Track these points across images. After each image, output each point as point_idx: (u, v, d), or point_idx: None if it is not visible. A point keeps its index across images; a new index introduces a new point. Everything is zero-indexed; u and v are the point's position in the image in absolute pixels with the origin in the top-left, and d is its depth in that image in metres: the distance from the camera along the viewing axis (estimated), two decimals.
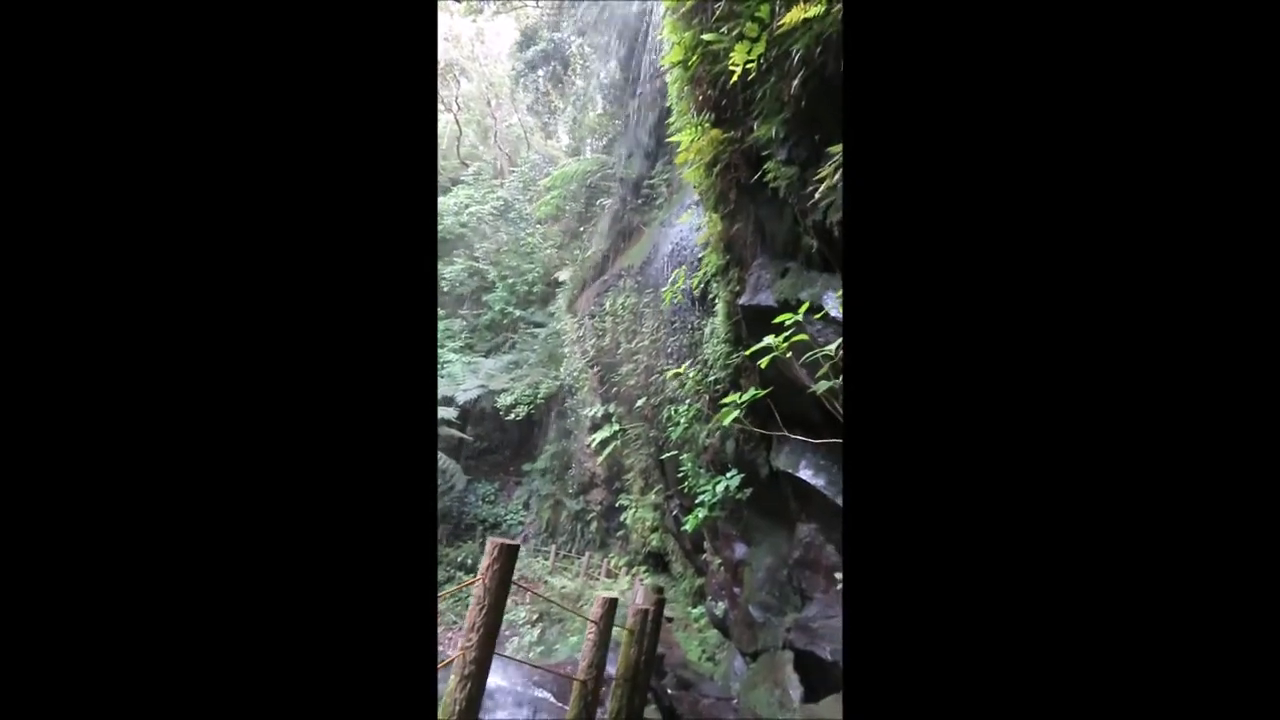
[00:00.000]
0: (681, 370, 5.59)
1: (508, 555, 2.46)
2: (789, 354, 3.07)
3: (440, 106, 28.47)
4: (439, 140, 26.42)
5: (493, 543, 2.46)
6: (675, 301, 7.62)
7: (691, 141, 4.81)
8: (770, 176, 4.46)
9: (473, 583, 2.41)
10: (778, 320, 3.17)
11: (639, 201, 13.29)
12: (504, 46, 23.07)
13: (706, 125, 4.97)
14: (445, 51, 28.36)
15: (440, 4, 25.27)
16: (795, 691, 5.25)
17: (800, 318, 2.97)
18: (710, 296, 7.02)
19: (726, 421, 3.69)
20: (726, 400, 3.70)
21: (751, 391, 3.39)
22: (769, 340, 3.08)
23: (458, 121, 26.39)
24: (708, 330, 6.93)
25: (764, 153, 4.60)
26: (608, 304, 11.68)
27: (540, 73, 17.52)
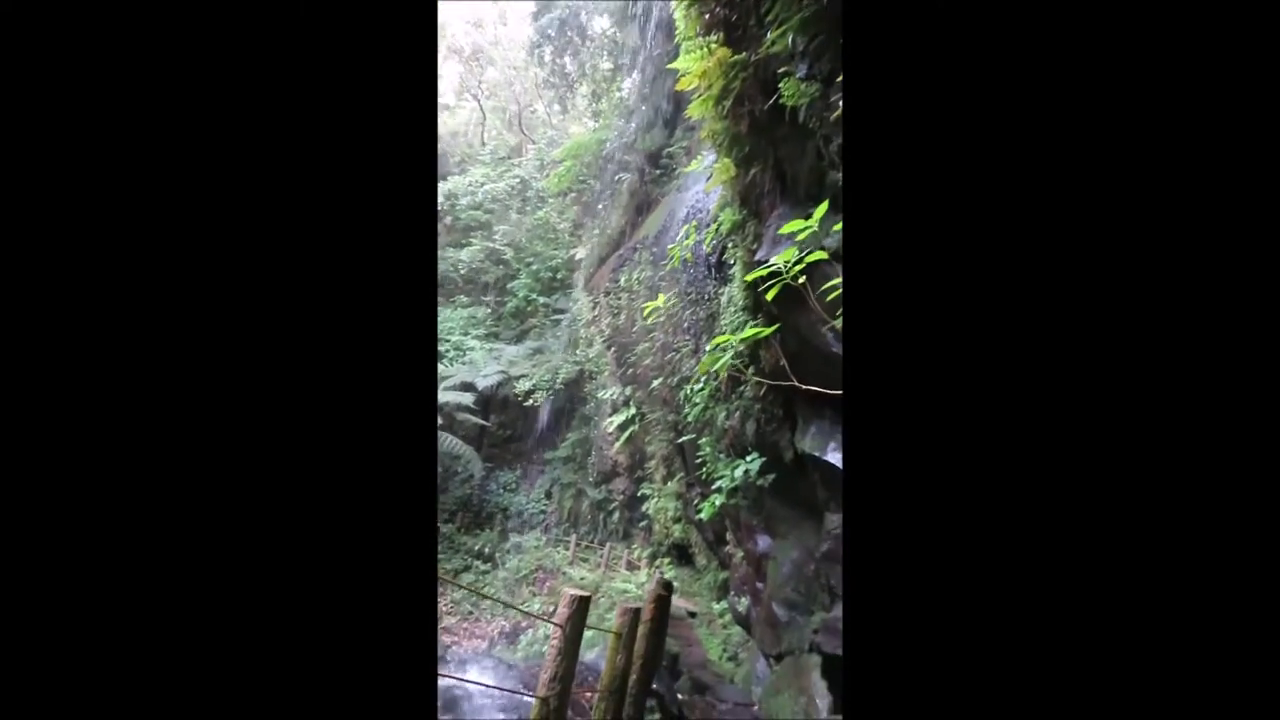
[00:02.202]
0: (659, 303, 4.82)
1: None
2: (802, 280, 2.33)
3: (467, 95, 28.25)
4: (463, 128, 26.20)
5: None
6: (686, 263, 6.89)
7: (696, 64, 4.11)
8: (788, 96, 3.74)
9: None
10: (785, 229, 2.39)
11: (657, 173, 12.54)
12: (525, 30, 22.53)
13: (714, 46, 4.27)
14: (469, 35, 28.03)
15: None
16: (822, 700, 4.63)
17: (816, 226, 2.19)
18: (727, 260, 6.31)
19: (717, 367, 2.98)
20: (718, 340, 2.99)
21: (750, 328, 2.67)
22: (777, 260, 2.36)
23: (481, 108, 26.01)
24: (724, 299, 6.22)
25: (781, 70, 3.89)
26: (623, 279, 10.99)
27: (556, 44, 16.88)
